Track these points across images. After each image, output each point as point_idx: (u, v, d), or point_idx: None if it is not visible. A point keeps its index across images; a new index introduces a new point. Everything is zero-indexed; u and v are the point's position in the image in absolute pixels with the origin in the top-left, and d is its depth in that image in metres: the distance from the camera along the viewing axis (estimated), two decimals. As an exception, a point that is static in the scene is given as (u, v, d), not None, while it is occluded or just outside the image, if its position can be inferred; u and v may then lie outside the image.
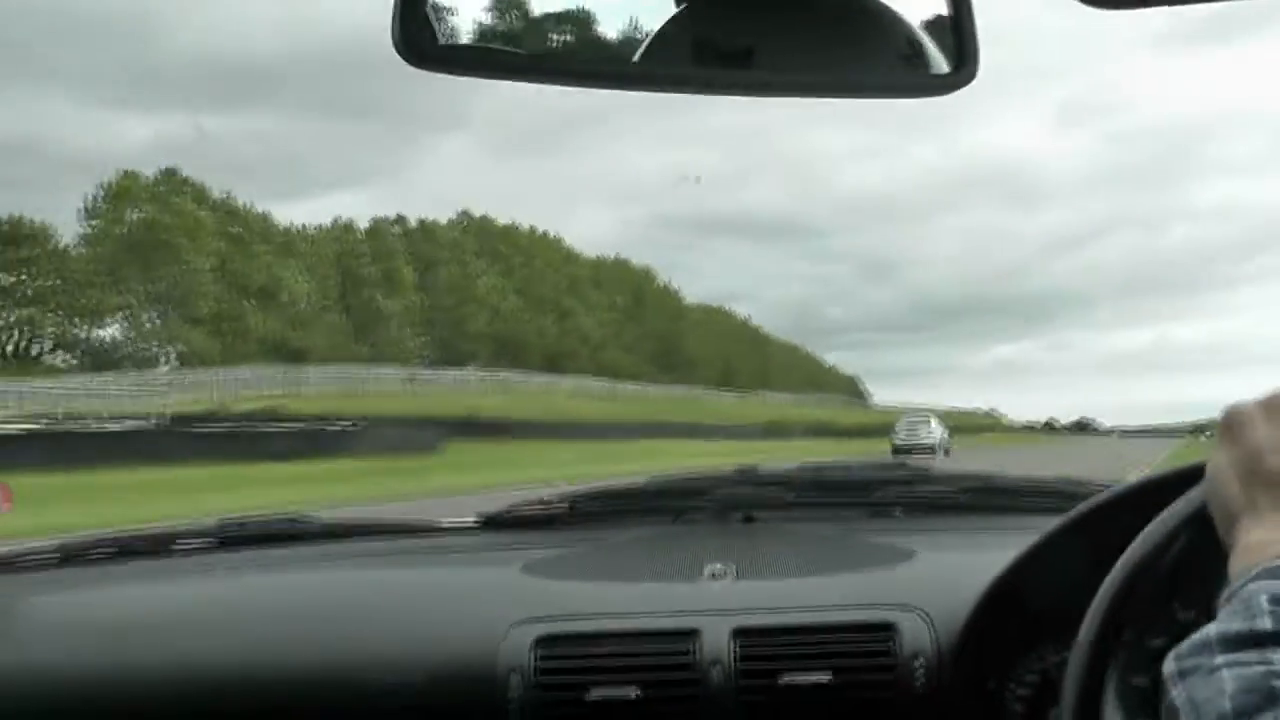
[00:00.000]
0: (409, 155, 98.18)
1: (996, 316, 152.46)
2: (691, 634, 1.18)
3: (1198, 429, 76.68)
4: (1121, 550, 0.88)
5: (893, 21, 0.93)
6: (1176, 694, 0.67)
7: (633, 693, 1.14)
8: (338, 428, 26.82)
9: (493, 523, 1.60)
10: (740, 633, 1.18)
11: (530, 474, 16.60)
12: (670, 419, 43.89)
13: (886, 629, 1.18)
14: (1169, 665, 0.69)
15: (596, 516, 1.61)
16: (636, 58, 0.91)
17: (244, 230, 48.58)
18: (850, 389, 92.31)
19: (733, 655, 1.17)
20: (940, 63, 0.93)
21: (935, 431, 34.18)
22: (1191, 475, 0.88)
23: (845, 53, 0.93)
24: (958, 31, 0.92)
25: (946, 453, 30.76)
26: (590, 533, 1.54)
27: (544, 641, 1.19)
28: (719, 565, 1.32)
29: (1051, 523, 1.06)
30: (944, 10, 0.93)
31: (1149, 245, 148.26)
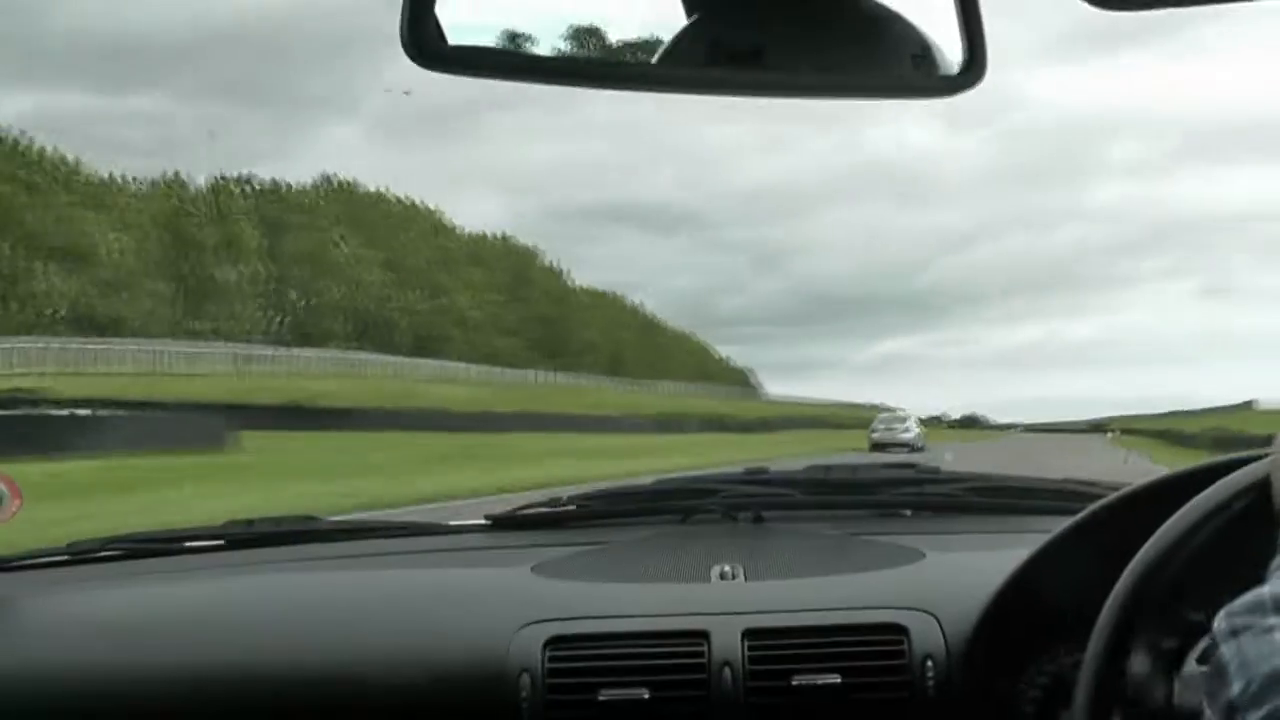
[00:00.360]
0: (295, 140, 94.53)
1: (887, 311, 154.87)
2: (702, 635, 1.17)
3: (1096, 426, 76.75)
4: (1131, 552, 0.88)
5: (902, 23, 0.94)
6: (1227, 650, 0.68)
7: (643, 693, 1.13)
8: (64, 413, 19.25)
9: (501, 523, 1.61)
10: (750, 634, 1.17)
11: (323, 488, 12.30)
12: (548, 409, 38.90)
13: (897, 630, 1.17)
14: (1220, 623, 0.70)
15: (605, 517, 1.62)
16: (653, 60, 0.91)
17: (40, 177, 40.36)
18: (742, 380, 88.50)
19: (743, 656, 1.15)
20: (950, 64, 0.94)
21: (912, 429, 35.29)
22: (1199, 478, 0.89)
23: (854, 54, 0.93)
24: (967, 33, 0.93)
25: (921, 449, 31.15)
26: (599, 533, 1.54)
27: (554, 642, 1.18)
28: (728, 566, 1.31)
29: (1060, 524, 1.05)
30: (953, 12, 0.93)
31: (1040, 244, 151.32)
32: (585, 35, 0.91)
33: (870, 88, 0.95)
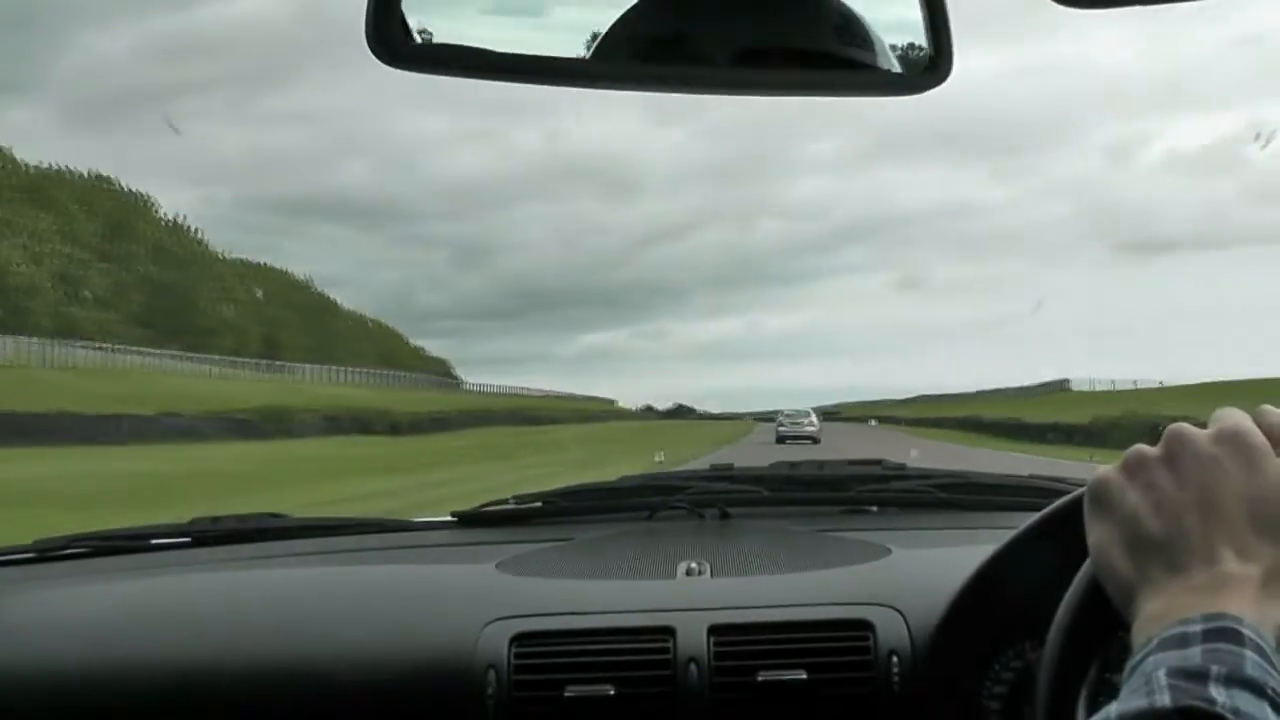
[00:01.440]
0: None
1: (591, 304, 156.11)
2: (668, 631, 1.17)
3: (829, 414, 78.13)
4: None
5: (869, 19, 0.94)
6: None
7: (609, 690, 1.13)
8: None
9: (467, 520, 1.60)
10: (716, 630, 1.17)
11: None
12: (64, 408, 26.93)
13: (863, 626, 1.17)
14: None
15: (571, 514, 1.60)
16: (621, 58, 0.90)
17: None
18: (441, 370, 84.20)
19: (709, 652, 1.15)
20: (917, 60, 0.93)
21: (815, 422, 38.70)
22: None
23: (821, 51, 0.93)
24: (933, 29, 0.93)
25: (815, 441, 34.34)
26: (565, 530, 1.53)
27: (520, 639, 1.17)
28: (694, 562, 1.31)
29: (1026, 519, 1.05)
30: (919, 8, 0.93)
31: (741, 238, 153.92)
32: (550, 33, 0.90)
33: (838, 85, 0.96)
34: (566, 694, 1.13)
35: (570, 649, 1.16)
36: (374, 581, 1.38)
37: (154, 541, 1.55)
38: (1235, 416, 0.73)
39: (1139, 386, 58.15)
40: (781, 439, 35.41)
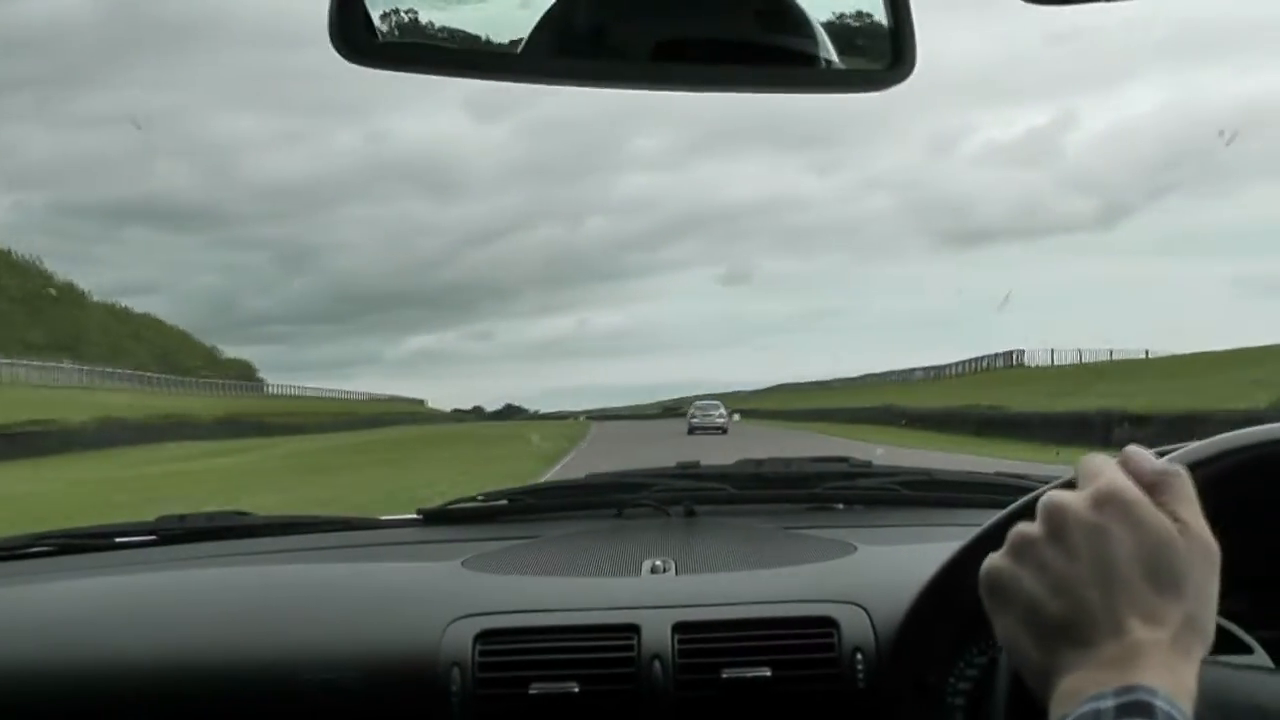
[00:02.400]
0: None
1: (418, 306, 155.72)
2: (632, 629, 1.17)
3: (668, 409, 78.66)
4: None
5: (830, 15, 0.94)
6: None
7: (573, 687, 1.13)
8: None
9: (433, 517, 1.59)
10: (681, 627, 1.17)
11: None
12: None
13: (827, 624, 1.17)
14: None
15: (537, 511, 1.60)
16: (588, 54, 0.91)
17: None
18: (241, 373, 77.71)
19: (673, 650, 1.15)
20: (879, 57, 0.93)
21: (724, 414, 40.56)
22: None
23: (784, 47, 0.93)
24: (895, 25, 0.93)
25: (724, 431, 36.80)
26: (531, 527, 1.53)
27: (485, 636, 1.17)
28: (660, 560, 1.31)
29: (991, 516, 1.05)
30: (881, 4, 0.93)
31: (568, 236, 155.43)
32: (515, 29, 0.90)
33: (799, 81, 0.96)
34: (531, 691, 1.13)
35: (535, 646, 1.16)
36: (338, 579, 1.38)
37: (119, 540, 1.55)
38: (1106, 472, 0.72)
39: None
40: (693, 430, 37.28)
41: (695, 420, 39.22)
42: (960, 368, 60.55)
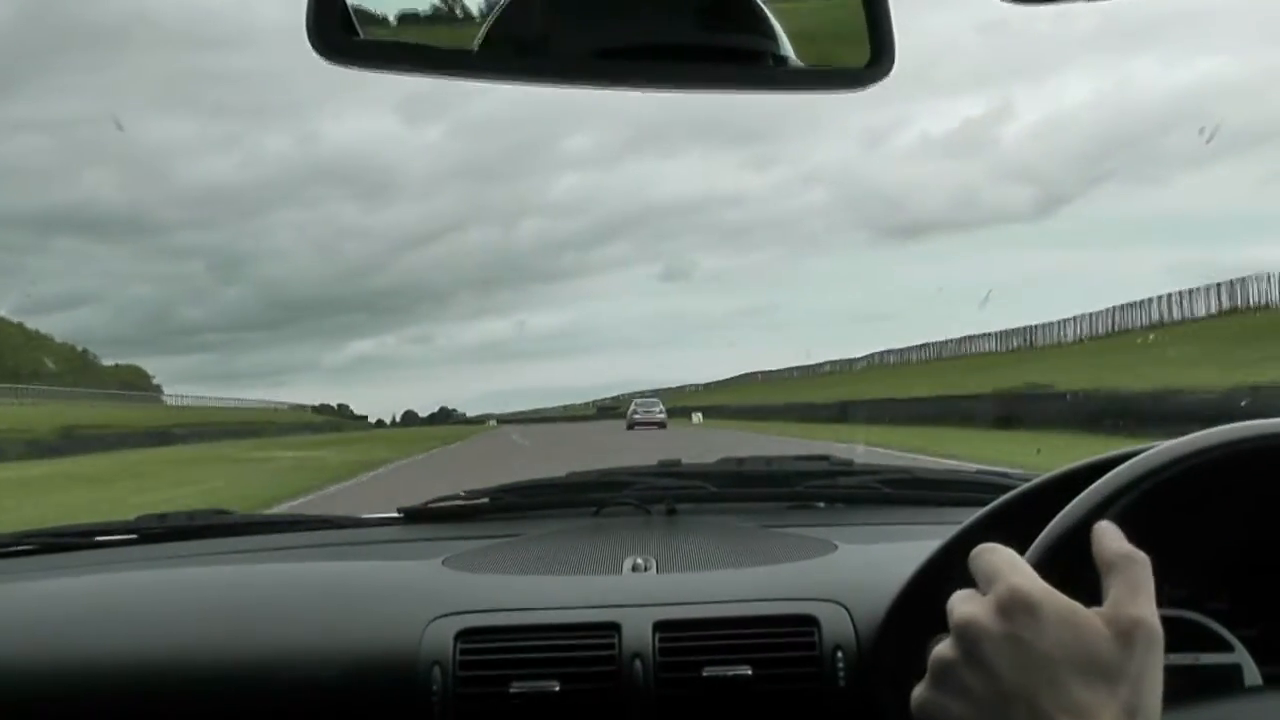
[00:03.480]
0: None
1: (353, 312, 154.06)
2: (613, 627, 1.17)
3: (603, 409, 75.96)
4: None
5: (807, 14, 0.94)
6: None
7: (554, 686, 1.13)
8: None
9: (414, 516, 1.59)
10: (661, 626, 1.17)
11: None
12: None
13: (807, 622, 1.17)
14: None
15: (518, 509, 1.60)
16: (569, 53, 0.90)
17: None
18: (128, 381, 73.07)
19: (654, 648, 1.15)
20: (856, 57, 0.93)
21: (662, 411, 42.13)
22: (1106, 466, 0.90)
23: (759, 46, 0.93)
24: (873, 24, 0.92)
25: (662, 426, 38.26)
26: (512, 526, 1.53)
27: (465, 635, 1.17)
28: (641, 558, 1.31)
29: (972, 515, 1.06)
30: (859, 3, 0.92)
31: (502, 238, 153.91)
32: (494, 26, 0.89)
33: (777, 81, 0.96)
34: (512, 690, 1.13)
35: (515, 645, 1.16)
36: (319, 578, 1.38)
37: (100, 538, 1.54)
38: (1003, 572, 0.71)
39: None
40: (632, 425, 39.54)
41: (638, 416, 41.26)
42: (905, 355, 58.30)
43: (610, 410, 71.04)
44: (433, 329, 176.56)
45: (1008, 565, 0.71)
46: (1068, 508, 0.86)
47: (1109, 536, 0.73)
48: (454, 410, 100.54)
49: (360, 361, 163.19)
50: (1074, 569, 0.82)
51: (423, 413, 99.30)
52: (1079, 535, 0.80)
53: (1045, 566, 0.79)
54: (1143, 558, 0.71)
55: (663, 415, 41.20)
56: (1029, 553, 0.82)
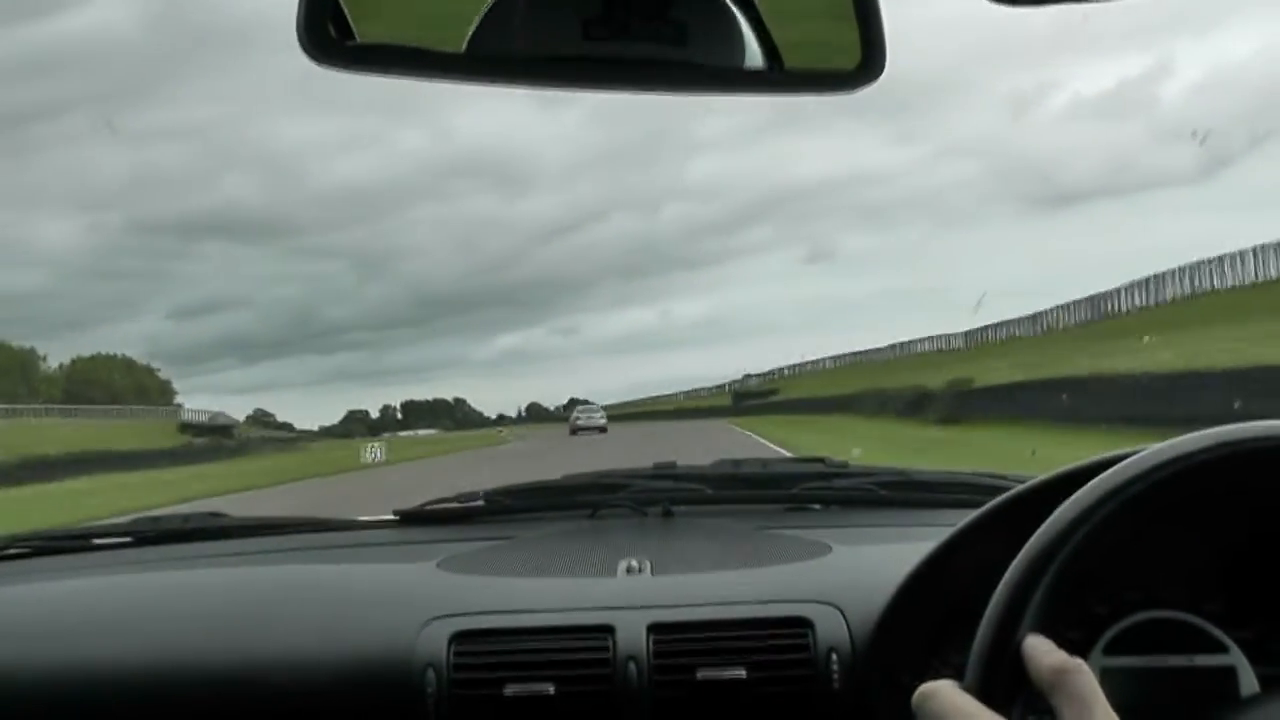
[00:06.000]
0: None
1: (496, 306, 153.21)
2: (607, 629, 1.16)
3: (740, 395, 69.57)
4: None
5: (798, 15, 0.93)
6: None
7: (549, 688, 1.13)
8: None
9: (409, 518, 1.59)
10: (656, 628, 1.16)
11: None
12: None
13: (802, 624, 1.17)
14: None
15: (513, 512, 1.60)
16: (560, 55, 0.89)
17: None
18: (153, 393, 68.53)
19: (648, 651, 1.15)
20: (848, 58, 0.92)
21: (603, 417, 43.67)
22: (1100, 466, 0.89)
23: (751, 48, 0.92)
24: (864, 26, 0.92)
25: (603, 431, 39.44)
26: (507, 528, 1.52)
27: (460, 637, 1.17)
28: (635, 560, 1.31)
29: (967, 517, 1.05)
30: (850, 5, 0.92)
31: (644, 225, 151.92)
32: (489, 30, 0.89)
33: (769, 83, 0.95)
34: (506, 693, 1.13)
35: (510, 648, 1.16)
36: (314, 581, 1.37)
37: (95, 542, 1.55)
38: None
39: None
40: (575, 431, 40.25)
41: (580, 421, 42.10)
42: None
43: (747, 395, 62.47)
44: (576, 320, 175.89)
45: (943, 703, 0.71)
46: (993, 602, 0.86)
47: (1040, 652, 0.72)
48: (586, 401, 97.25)
49: (507, 354, 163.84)
50: (1077, 570, 0.83)
51: (551, 405, 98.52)
52: (1010, 644, 0.80)
53: (987, 682, 0.79)
54: (1078, 664, 0.71)
55: (602, 420, 42.52)
56: (969, 670, 0.83)
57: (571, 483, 1.68)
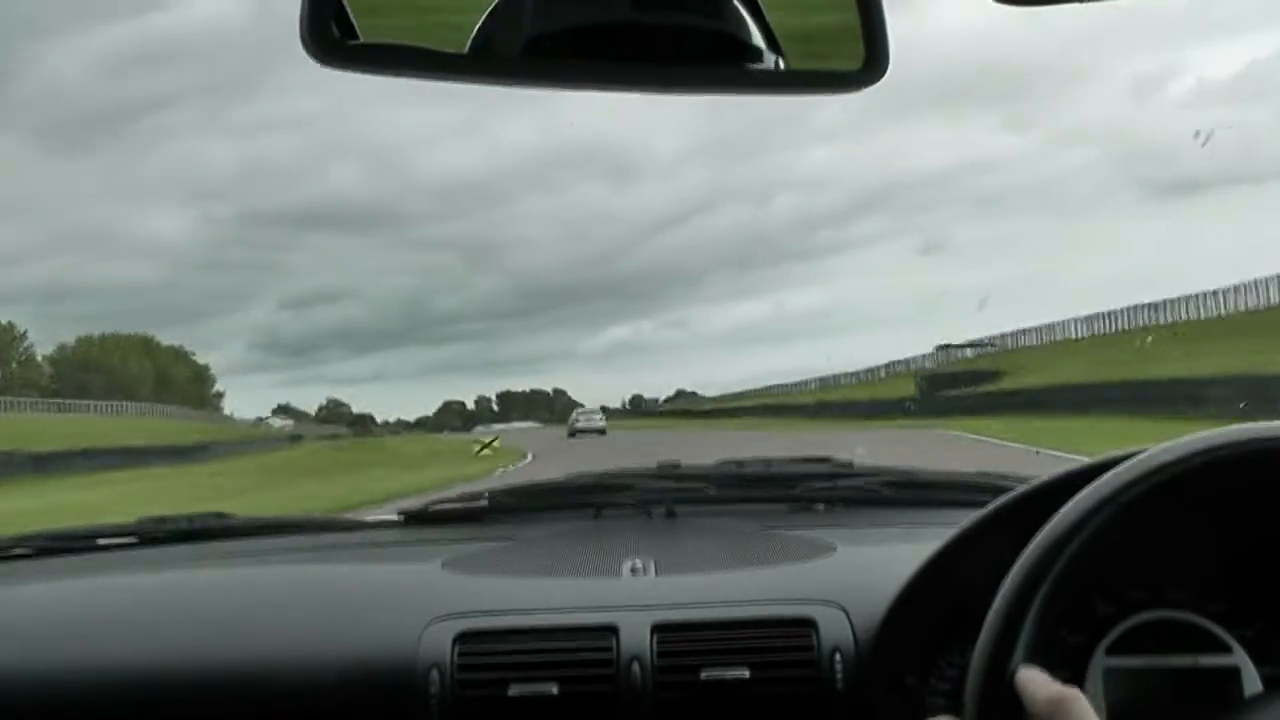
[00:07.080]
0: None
1: (605, 298, 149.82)
2: (611, 629, 1.16)
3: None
4: None
5: (803, 16, 0.94)
6: None
7: (552, 688, 1.13)
8: None
9: (414, 518, 1.59)
10: (659, 628, 1.16)
11: None
12: None
13: (806, 624, 1.17)
14: None
15: (518, 512, 1.60)
16: (565, 55, 0.89)
17: None
18: (191, 393, 65.43)
19: (652, 651, 1.15)
20: (851, 58, 0.92)
21: (602, 420, 43.88)
22: (1103, 467, 0.89)
23: (755, 48, 0.92)
24: (868, 27, 0.92)
25: (602, 433, 39.68)
26: (511, 528, 1.53)
27: (464, 637, 1.17)
28: (639, 560, 1.31)
29: (971, 516, 1.05)
30: (854, 5, 0.92)
31: (755, 216, 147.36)
32: (494, 29, 0.89)
33: (772, 82, 0.96)
34: (510, 693, 1.13)
35: (513, 648, 1.16)
36: (318, 581, 1.38)
37: (100, 541, 1.55)
38: None
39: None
40: (573, 434, 40.04)
41: (579, 424, 42.16)
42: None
43: (952, 383, 38.36)
44: (686, 313, 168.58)
45: None
46: (983, 633, 0.86)
47: (1035, 684, 0.73)
48: (694, 393, 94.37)
49: (616, 347, 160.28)
50: (1081, 571, 0.83)
51: (660, 397, 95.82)
52: (1004, 677, 0.81)
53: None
54: (1074, 693, 0.72)
55: (602, 424, 42.53)
56: (965, 707, 0.83)
57: (575, 483, 1.68)
